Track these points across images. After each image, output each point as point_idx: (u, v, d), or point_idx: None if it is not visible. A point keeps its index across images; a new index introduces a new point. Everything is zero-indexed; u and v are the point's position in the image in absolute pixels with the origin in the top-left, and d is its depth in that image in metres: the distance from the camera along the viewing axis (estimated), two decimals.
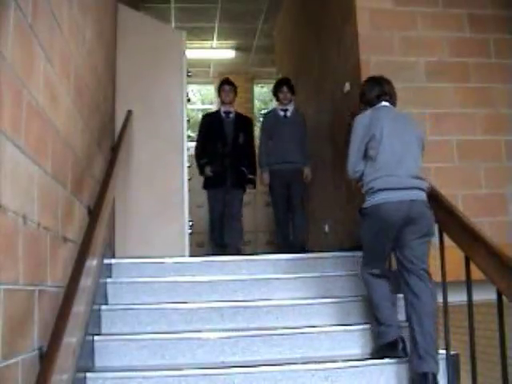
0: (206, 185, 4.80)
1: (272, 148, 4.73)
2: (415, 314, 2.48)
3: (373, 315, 2.73)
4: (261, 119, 5.12)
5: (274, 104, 5.11)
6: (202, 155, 4.80)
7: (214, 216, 4.76)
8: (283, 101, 4.81)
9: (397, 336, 2.61)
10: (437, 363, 2.43)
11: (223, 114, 4.84)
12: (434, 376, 2.40)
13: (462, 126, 3.72)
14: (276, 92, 4.88)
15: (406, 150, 2.67)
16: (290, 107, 4.83)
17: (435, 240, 2.58)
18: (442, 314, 2.55)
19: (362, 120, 2.81)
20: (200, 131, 4.94)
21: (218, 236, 4.70)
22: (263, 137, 4.84)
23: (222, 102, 4.91)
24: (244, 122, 4.94)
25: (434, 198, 2.63)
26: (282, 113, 4.82)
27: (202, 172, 4.76)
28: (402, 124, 2.78)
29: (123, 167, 3.45)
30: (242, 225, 4.84)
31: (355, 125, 2.82)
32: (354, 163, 2.74)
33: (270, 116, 4.95)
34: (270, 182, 4.74)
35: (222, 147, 4.68)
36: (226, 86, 4.86)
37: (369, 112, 2.85)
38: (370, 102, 2.92)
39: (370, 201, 2.63)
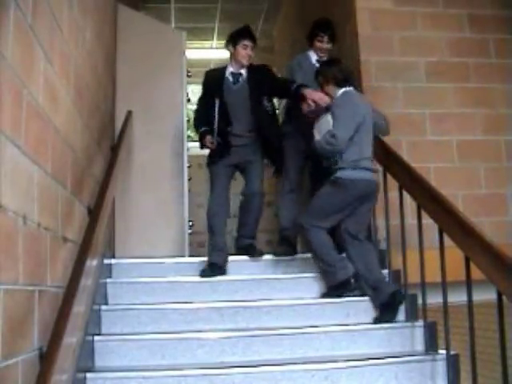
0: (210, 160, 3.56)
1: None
2: (361, 262, 2.99)
3: (320, 261, 3.09)
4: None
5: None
6: (202, 119, 3.58)
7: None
8: (321, 51, 3.67)
9: (348, 275, 3.00)
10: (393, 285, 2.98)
11: (230, 77, 3.56)
12: (398, 291, 2.90)
13: (461, 126, 3.72)
14: (315, 35, 3.69)
15: (369, 136, 3.11)
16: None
17: (435, 240, 2.58)
18: (442, 314, 2.55)
19: (352, 99, 3.12)
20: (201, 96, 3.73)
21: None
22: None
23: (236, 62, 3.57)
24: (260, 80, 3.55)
25: (433, 197, 2.63)
26: (315, 62, 3.67)
27: (202, 144, 3.55)
28: (368, 109, 3.15)
29: (123, 167, 3.45)
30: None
31: (344, 101, 3.11)
32: (346, 138, 3.00)
33: (303, 61, 3.74)
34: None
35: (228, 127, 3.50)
36: (247, 41, 3.53)
37: (349, 93, 3.15)
38: (339, 83, 3.18)
39: (348, 175, 3.00)
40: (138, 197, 3.99)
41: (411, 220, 2.97)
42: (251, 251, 3.44)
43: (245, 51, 3.50)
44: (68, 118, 2.37)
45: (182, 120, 4.30)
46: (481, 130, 3.74)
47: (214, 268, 3.24)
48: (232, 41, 3.55)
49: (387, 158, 3.15)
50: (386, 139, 3.26)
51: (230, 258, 3.40)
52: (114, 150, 3.25)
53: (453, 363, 2.55)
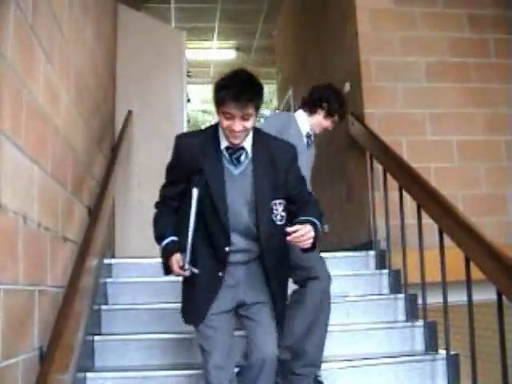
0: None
1: None
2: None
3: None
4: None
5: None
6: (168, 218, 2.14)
7: None
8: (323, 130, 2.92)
9: None
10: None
11: (226, 155, 2.03)
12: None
13: (461, 126, 3.72)
14: (335, 110, 2.83)
15: None
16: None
17: (435, 240, 2.58)
18: (442, 314, 2.55)
19: None
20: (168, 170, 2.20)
21: None
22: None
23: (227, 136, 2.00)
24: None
25: (433, 197, 2.63)
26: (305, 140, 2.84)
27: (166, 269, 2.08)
28: None
29: (123, 167, 3.45)
30: None
31: None
32: None
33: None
34: None
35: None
36: (234, 106, 1.90)
37: None
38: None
39: None
40: (137, 197, 3.99)
41: (411, 220, 2.97)
42: None
43: (228, 123, 1.91)
44: (68, 117, 2.37)
45: (182, 120, 4.30)
46: (481, 130, 3.73)
47: None
48: (214, 99, 1.97)
49: (387, 157, 3.15)
50: (386, 139, 3.26)
51: None
52: (114, 150, 3.25)
53: (453, 363, 2.55)
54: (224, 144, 2.02)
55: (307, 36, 5.36)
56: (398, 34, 3.76)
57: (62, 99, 2.26)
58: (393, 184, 3.08)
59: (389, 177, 3.13)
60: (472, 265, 2.23)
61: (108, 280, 3.07)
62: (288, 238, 1.87)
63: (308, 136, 2.86)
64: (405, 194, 2.93)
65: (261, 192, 2.01)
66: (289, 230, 1.87)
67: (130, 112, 3.90)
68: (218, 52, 8.16)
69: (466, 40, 3.83)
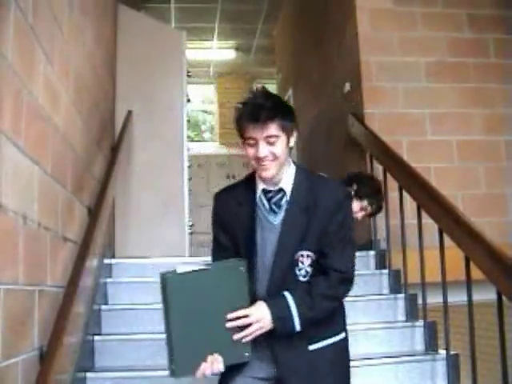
0: None
1: None
2: None
3: None
4: None
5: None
6: None
7: None
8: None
9: None
10: None
11: (264, 201, 1.74)
12: None
13: (461, 126, 3.72)
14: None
15: None
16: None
17: (435, 240, 2.58)
18: (442, 314, 2.55)
19: None
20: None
21: None
22: None
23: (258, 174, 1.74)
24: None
25: (433, 197, 2.63)
26: None
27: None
28: None
29: (123, 167, 3.45)
30: None
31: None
32: None
33: None
34: None
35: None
36: (251, 122, 1.62)
37: None
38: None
39: None
40: (138, 197, 3.99)
41: (411, 220, 2.97)
42: None
43: (253, 150, 1.64)
44: (68, 117, 2.37)
45: (182, 120, 4.30)
46: (481, 130, 3.73)
47: None
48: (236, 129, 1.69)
49: (387, 157, 3.15)
50: (386, 139, 3.26)
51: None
52: (114, 150, 3.25)
53: (453, 363, 2.55)
54: (260, 187, 1.71)
55: (307, 36, 5.36)
56: (397, 34, 3.76)
57: (61, 99, 2.26)
58: (393, 184, 3.08)
59: (389, 177, 3.13)
60: (472, 265, 2.23)
61: (108, 280, 3.07)
62: (227, 324, 1.54)
63: None
64: (405, 194, 2.93)
65: (284, 242, 1.68)
66: (229, 315, 1.54)
67: (129, 112, 3.90)
68: (218, 52, 8.16)
69: (465, 40, 3.83)
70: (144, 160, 4.04)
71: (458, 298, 2.52)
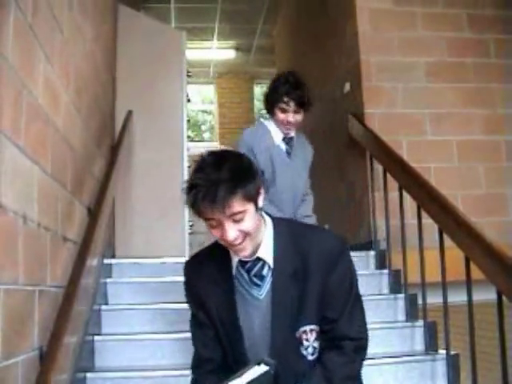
0: None
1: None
2: None
3: None
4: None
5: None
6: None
7: None
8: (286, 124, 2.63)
9: None
10: None
11: (244, 274, 1.51)
12: None
13: (461, 126, 3.72)
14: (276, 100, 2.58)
15: None
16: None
17: (435, 240, 2.58)
18: (442, 314, 2.55)
19: None
20: None
21: None
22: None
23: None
24: None
25: (433, 197, 2.63)
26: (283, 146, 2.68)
27: None
28: None
29: (123, 167, 3.45)
30: None
31: None
32: None
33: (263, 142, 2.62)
34: None
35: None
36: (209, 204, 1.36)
37: None
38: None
39: None
40: (138, 197, 3.99)
41: (411, 220, 2.97)
42: None
43: (218, 232, 1.41)
44: (68, 117, 2.37)
45: (182, 120, 4.29)
46: (481, 130, 3.73)
47: None
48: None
49: (387, 157, 3.15)
50: (386, 139, 3.26)
51: None
52: (114, 149, 3.25)
53: (453, 363, 2.55)
54: (235, 259, 1.47)
55: (307, 36, 5.35)
56: (397, 34, 3.76)
57: (61, 99, 2.26)
58: (393, 184, 3.08)
59: (389, 177, 3.13)
60: (472, 265, 2.23)
61: (108, 280, 3.07)
62: None
63: (287, 141, 2.65)
64: (405, 194, 2.93)
65: (279, 322, 1.42)
66: None
67: (129, 112, 3.90)
68: (217, 52, 8.16)
69: (465, 40, 3.83)
70: (144, 160, 4.04)
71: (458, 298, 2.52)
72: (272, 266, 1.44)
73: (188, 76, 4.47)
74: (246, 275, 1.46)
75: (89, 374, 2.34)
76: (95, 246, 2.25)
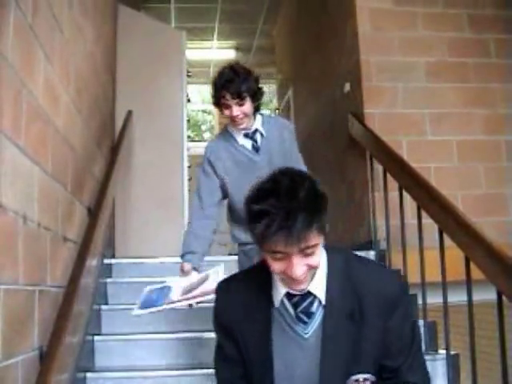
0: None
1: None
2: None
3: None
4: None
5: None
6: None
7: None
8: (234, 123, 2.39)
9: None
10: None
11: (289, 308, 1.33)
12: None
13: (461, 126, 3.72)
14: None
15: None
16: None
17: (435, 240, 2.58)
18: (442, 314, 2.55)
19: None
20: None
21: None
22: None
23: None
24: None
25: (433, 197, 2.63)
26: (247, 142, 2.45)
27: None
28: None
29: (123, 167, 3.45)
30: None
31: None
32: None
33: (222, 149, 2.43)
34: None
35: None
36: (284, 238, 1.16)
37: None
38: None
39: None
40: (137, 197, 3.99)
41: (411, 220, 2.97)
42: None
43: (282, 266, 1.23)
44: (68, 117, 2.37)
45: (182, 120, 4.30)
46: (481, 130, 3.73)
47: None
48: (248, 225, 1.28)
49: (387, 157, 3.15)
50: (386, 139, 3.26)
51: (231, 257, 3.39)
52: (114, 150, 3.25)
53: (453, 363, 2.55)
54: (282, 291, 1.29)
55: (307, 36, 5.36)
56: (398, 34, 3.76)
57: (61, 99, 2.26)
58: (393, 184, 3.07)
59: (389, 177, 3.13)
60: (472, 265, 2.23)
61: (108, 280, 3.07)
62: None
63: (251, 136, 2.43)
64: (405, 194, 2.93)
65: (330, 366, 1.27)
66: None
67: (129, 112, 3.91)
68: (218, 52, 8.16)
69: (465, 40, 3.83)
70: (144, 160, 4.04)
71: (458, 297, 2.52)
72: (324, 302, 1.29)
73: (188, 76, 4.47)
74: (291, 310, 1.30)
75: (89, 374, 2.34)
76: (95, 246, 2.25)
